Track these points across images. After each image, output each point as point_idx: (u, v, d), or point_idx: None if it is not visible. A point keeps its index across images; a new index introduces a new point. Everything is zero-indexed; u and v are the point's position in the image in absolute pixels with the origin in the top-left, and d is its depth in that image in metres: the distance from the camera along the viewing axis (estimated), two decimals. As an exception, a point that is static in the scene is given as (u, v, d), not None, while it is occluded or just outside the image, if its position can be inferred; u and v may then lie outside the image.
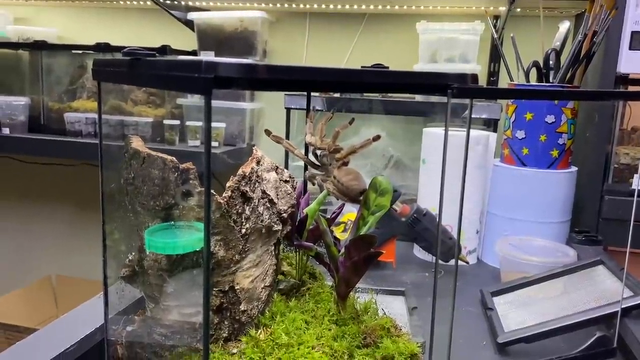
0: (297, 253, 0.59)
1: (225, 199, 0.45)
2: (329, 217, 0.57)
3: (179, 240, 0.41)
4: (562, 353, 0.66)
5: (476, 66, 1.35)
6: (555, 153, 1.11)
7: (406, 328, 0.60)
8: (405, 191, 1.42)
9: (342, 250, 0.52)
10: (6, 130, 1.70)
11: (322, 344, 0.49)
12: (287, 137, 1.50)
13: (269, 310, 0.51)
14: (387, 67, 0.52)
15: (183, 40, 1.68)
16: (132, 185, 0.46)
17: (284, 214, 0.51)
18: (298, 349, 0.48)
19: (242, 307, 0.48)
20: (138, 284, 0.49)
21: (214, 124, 1.54)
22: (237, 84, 0.32)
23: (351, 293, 0.54)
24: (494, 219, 1.18)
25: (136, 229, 0.47)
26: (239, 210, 0.46)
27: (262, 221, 0.48)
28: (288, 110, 1.46)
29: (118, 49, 1.65)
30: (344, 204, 0.57)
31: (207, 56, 1.59)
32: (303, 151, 0.59)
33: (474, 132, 1.17)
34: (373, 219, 0.52)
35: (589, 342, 0.55)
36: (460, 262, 1.10)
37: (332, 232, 0.54)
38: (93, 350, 0.64)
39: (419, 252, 1.19)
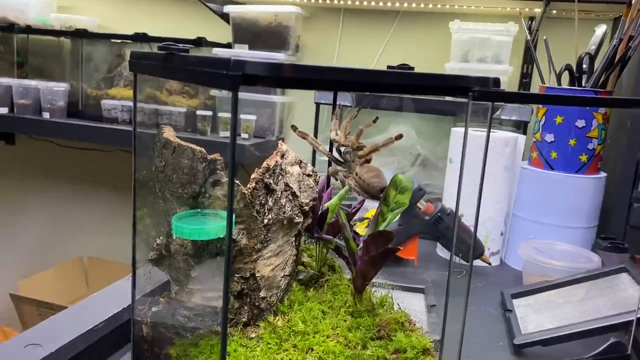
0: (318, 245, 0.60)
1: (249, 190, 0.47)
2: (349, 211, 0.59)
3: (204, 227, 0.43)
4: (577, 357, 0.66)
5: (508, 67, 1.34)
6: (584, 158, 1.10)
7: (423, 325, 0.62)
8: (431, 190, 1.42)
9: (361, 244, 0.54)
10: (46, 115, 1.77)
11: (337, 333, 0.51)
12: (316, 131, 1.52)
13: (287, 299, 0.53)
14: (413, 68, 0.54)
15: (219, 33, 1.72)
16: (162, 173, 0.48)
17: (306, 207, 0.53)
18: (313, 337, 0.50)
19: (261, 294, 0.50)
20: (164, 267, 0.51)
21: (245, 116, 1.57)
22: (264, 82, 0.33)
23: (368, 286, 0.56)
24: (519, 222, 1.18)
25: (165, 214, 0.50)
26: (262, 201, 0.48)
27: (284, 213, 0.50)
28: (318, 105, 1.48)
29: (155, 39, 1.69)
30: (364, 200, 0.59)
31: (241, 49, 1.62)
32: (328, 147, 0.61)
33: (502, 134, 1.16)
34: (392, 215, 0.53)
35: (602, 347, 0.55)
36: (482, 263, 1.10)
37: (352, 226, 0.56)
38: (120, 328, 0.67)
39: (441, 250, 1.19)
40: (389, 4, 1.54)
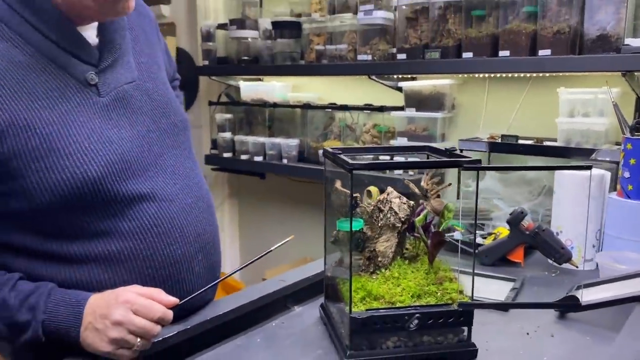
0: (415, 239, 1.08)
1: (370, 209, 0.98)
2: (425, 223, 1.05)
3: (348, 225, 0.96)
4: (607, 322, 1.02)
5: (605, 120, 1.61)
6: (653, 190, 1.36)
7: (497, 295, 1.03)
8: (548, 214, 1.74)
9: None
10: (285, 160, 2.50)
11: (415, 280, 0.98)
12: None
13: (393, 264, 1.02)
14: (455, 150, 1.00)
15: (394, 100, 2.24)
16: (334, 202, 1.03)
17: (402, 219, 1.01)
18: (402, 280, 0.98)
19: (379, 259, 1.00)
20: (337, 245, 1.05)
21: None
22: (361, 169, 0.85)
23: (436, 259, 1.02)
24: (609, 238, 1.46)
25: (335, 219, 1.03)
26: (377, 215, 0.99)
27: (389, 220, 1.00)
28: (461, 150, 1.91)
29: (353, 107, 2.30)
30: (434, 217, 1.05)
31: (411, 111, 2.13)
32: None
33: (590, 172, 1.46)
34: (445, 223, 0.99)
35: (561, 297, 0.90)
36: (571, 266, 1.42)
37: (427, 230, 1.03)
38: (320, 281, 1.23)
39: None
40: (521, 75, 1.90)
